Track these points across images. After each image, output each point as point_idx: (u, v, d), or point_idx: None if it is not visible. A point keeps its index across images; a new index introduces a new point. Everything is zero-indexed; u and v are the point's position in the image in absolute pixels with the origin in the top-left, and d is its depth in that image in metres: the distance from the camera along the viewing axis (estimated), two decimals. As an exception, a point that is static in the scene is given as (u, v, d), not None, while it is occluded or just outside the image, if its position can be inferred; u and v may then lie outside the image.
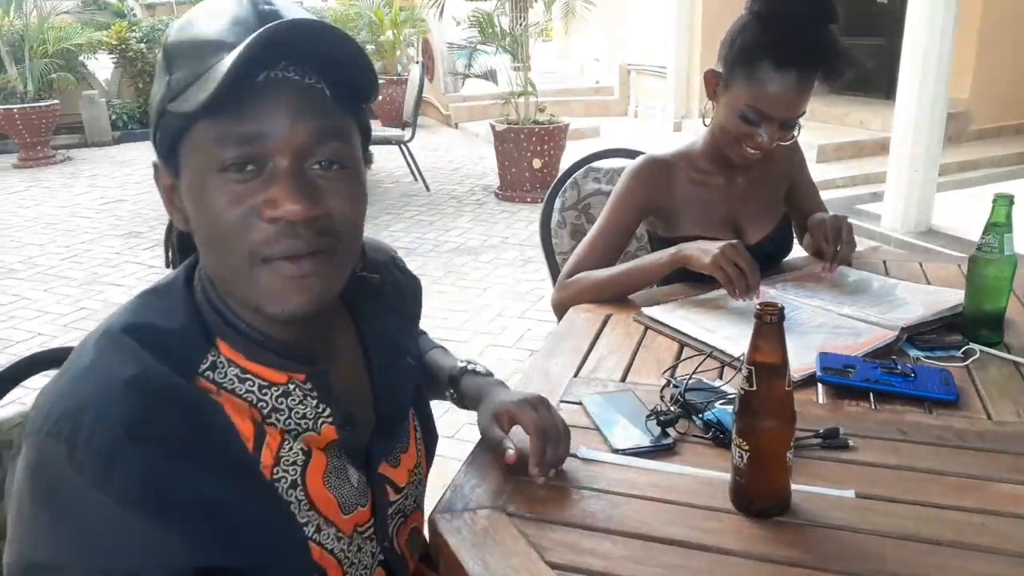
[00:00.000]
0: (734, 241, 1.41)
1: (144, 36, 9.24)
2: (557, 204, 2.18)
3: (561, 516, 0.90)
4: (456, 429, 2.57)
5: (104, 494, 0.62)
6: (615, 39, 9.55)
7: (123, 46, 9.08)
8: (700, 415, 1.07)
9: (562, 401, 1.15)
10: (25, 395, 1.00)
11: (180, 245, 0.85)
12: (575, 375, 1.25)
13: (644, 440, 1.04)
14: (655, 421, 1.06)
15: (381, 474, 0.87)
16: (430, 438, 1.00)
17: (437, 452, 1.02)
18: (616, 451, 1.02)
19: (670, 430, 1.06)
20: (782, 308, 0.85)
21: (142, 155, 8.17)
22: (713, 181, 1.59)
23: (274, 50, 0.65)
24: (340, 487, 0.80)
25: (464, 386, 1.05)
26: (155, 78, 0.73)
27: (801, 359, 1.19)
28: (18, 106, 7.62)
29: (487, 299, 3.98)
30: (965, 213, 4.73)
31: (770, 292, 1.46)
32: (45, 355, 1.04)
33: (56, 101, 7.99)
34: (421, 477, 0.96)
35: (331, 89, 0.71)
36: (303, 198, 0.67)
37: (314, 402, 0.78)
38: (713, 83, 1.51)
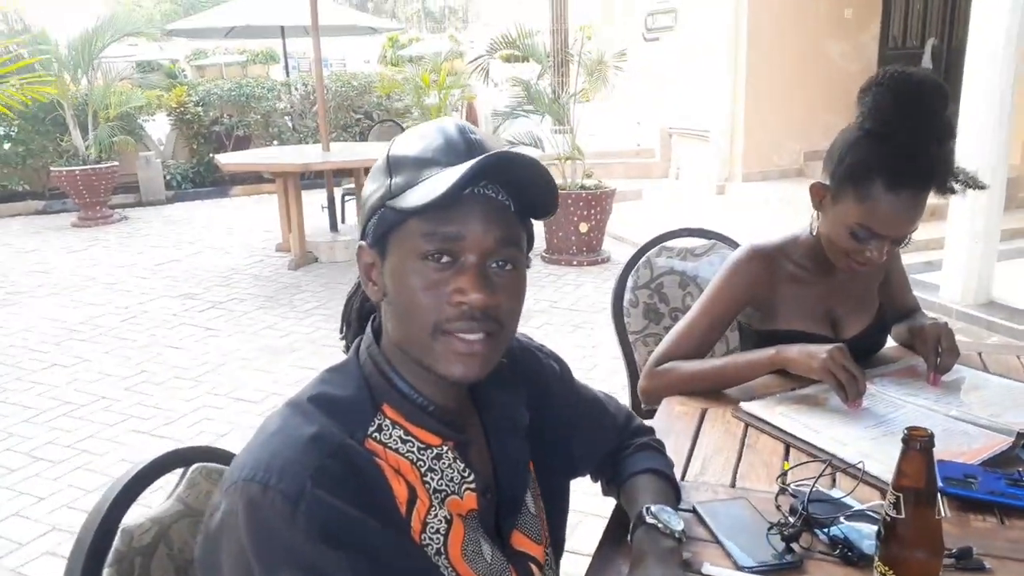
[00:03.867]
0: (839, 345, 1.39)
1: (200, 100, 9.58)
2: (629, 283, 2.18)
3: (697, 642, 0.87)
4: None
5: (289, 527, 0.74)
6: (656, 101, 9.66)
7: (181, 109, 9.41)
8: (825, 530, 1.04)
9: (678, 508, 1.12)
10: (151, 497, 1.01)
11: (359, 315, 0.98)
12: (682, 478, 1.22)
13: (768, 556, 1.00)
14: (778, 535, 1.04)
15: (521, 551, 0.94)
16: (555, 519, 1.04)
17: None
18: (741, 568, 0.99)
19: (794, 545, 1.03)
20: (932, 434, 0.83)
21: (194, 214, 8.40)
22: (812, 278, 1.58)
23: (481, 174, 0.80)
24: (476, 561, 0.87)
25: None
26: (371, 179, 0.88)
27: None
28: (80, 168, 7.89)
29: (541, 367, 3.95)
30: (1025, 284, 4.64)
31: (870, 388, 1.43)
32: (173, 455, 1.05)
33: (115, 163, 8.28)
34: (552, 561, 1.01)
35: (515, 206, 0.85)
36: (485, 290, 0.82)
37: (461, 466, 0.89)
38: (820, 196, 1.49)
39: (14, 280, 5.84)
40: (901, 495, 0.83)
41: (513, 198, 0.85)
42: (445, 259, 0.82)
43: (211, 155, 8.81)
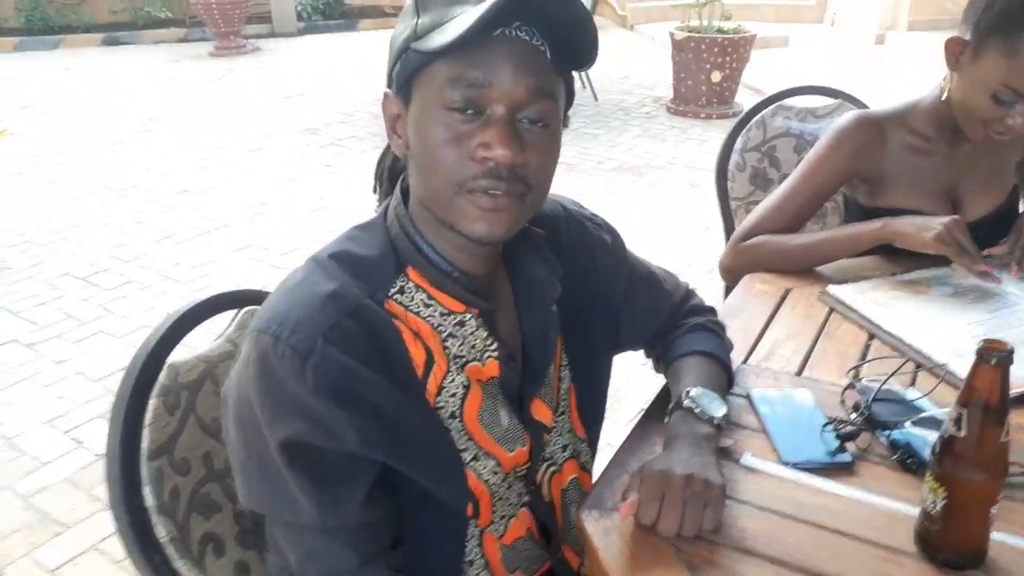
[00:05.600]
0: (955, 216, 1.24)
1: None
2: (739, 144, 2.01)
3: (717, 532, 0.83)
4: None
5: (298, 382, 0.74)
6: (818, -65, 8.63)
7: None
8: (887, 433, 0.96)
9: (729, 393, 1.06)
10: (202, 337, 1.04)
11: (390, 174, 0.93)
12: (744, 361, 1.15)
13: (818, 453, 0.94)
14: (833, 432, 0.96)
15: (538, 420, 0.92)
16: (588, 390, 1.00)
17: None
18: (785, 463, 0.93)
19: (849, 445, 0.95)
20: (1011, 350, 0.72)
21: (322, 47, 8.46)
22: (933, 149, 1.39)
23: (513, 10, 0.72)
24: (492, 426, 0.86)
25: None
26: (400, 20, 0.81)
27: (1017, 371, 1.02)
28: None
29: (646, 226, 3.84)
30: None
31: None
32: (225, 296, 1.07)
33: (255, -8, 8.32)
34: (571, 428, 0.98)
35: (552, 52, 0.77)
36: (513, 146, 0.75)
37: (484, 334, 0.86)
38: (957, 52, 1.28)
39: (154, 107, 6.13)
40: (965, 411, 0.74)
41: (551, 44, 0.76)
42: (470, 111, 0.75)
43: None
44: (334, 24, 9.46)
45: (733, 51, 5.65)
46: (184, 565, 0.93)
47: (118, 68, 7.52)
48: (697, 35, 5.64)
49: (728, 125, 2.00)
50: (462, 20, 0.72)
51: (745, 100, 5.73)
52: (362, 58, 7.86)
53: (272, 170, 4.71)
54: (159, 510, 0.92)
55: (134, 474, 0.91)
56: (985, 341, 0.72)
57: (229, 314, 1.07)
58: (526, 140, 0.77)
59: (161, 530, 0.92)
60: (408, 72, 0.78)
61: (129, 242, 3.74)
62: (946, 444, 0.76)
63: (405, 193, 0.86)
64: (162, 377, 0.94)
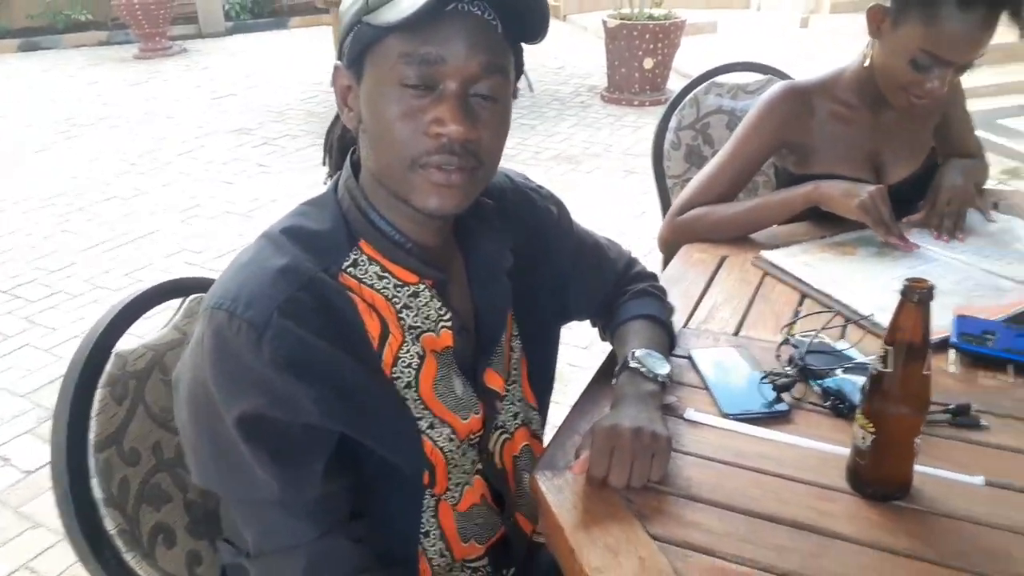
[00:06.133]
0: (881, 186, 1.31)
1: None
2: (673, 123, 2.06)
3: (664, 483, 0.87)
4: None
5: (255, 356, 0.75)
6: (739, -77, 8.83)
7: (233, -66, 9.06)
8: (820, 381, 1.01)
9: (671, 355, 1.10)
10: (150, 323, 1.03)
11: (340, 144, 0.94)
12: (684, 325, 1.19)
13: (756, 405, 0.99)
14: (770, 385, 1.01)
15: (491, 388, 0.94)
16: (538, 360, 1.02)
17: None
18: (725, 415, 0.98)
19: (785, 395, 1.00)
20: (932, 287, 0.77)
21: (253, 46, 8.29)
22: (857, 116, 1.45)
23: None
24: (446, 395, 0.88)
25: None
26: None
27: (934, 320, 1.09)
28: (136, -5, 7.76)
29: (586, 214, 3.86)
30: None
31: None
32: (171, 284, 1.07)
33: (172, -10, 8.10)
34: (522, 396, 1.00)
35: (503, 26, 0.78)
36: (465, 122, 0.76)
37: (438, 304, 0.87)
38: (878, 20, 1.34)
39: (78, 112, 5.93)
40: (892, 348, 0.79)
41: (501, 17, 0.78)
42: (424, 86, 0.76)
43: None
44: (264, 23, 9.29)
45: (664, 37, 5.74)
46: (134, 558, 0.92)
47: (37, 74, 7.25)
48: (629, 22, 5.72)
49: (661, 111, 2.05)
50: None
51: (677, 87, 5.78)
52: (293, 56, 7.74)
53: (205, 172, 4.62)
54: (107, 502, 0.91)
55: (81, 466, 0.90)
56: (908, 280, 0.77)
57: (175, 304, 1.07)
58: (478, 116, 0.78)
59: (110, 523, 0.91)
60: (360, 47, 0.78)
61: (56, 251, 3.62)
62: (874, 381, 0.80)
63: (355, 166, 0.87)
64: (109, 366, 0.93)
